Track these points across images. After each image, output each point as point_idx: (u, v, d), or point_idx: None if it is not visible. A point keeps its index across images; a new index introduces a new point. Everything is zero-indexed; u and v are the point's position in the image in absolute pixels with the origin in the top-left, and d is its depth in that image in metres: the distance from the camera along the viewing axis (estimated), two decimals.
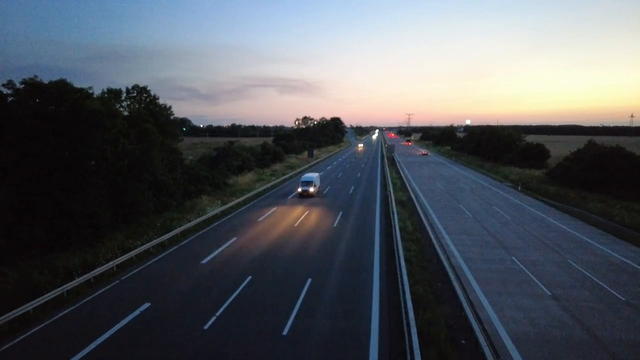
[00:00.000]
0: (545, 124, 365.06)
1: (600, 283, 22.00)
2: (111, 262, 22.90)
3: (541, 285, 21.48)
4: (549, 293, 20.58)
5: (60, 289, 19.45)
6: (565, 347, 15.65)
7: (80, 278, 20.64)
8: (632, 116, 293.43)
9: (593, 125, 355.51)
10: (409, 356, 13.62)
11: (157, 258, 25.56)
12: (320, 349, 15.14)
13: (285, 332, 16.36)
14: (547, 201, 46.27)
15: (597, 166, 49.39)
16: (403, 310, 17.11)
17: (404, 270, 21.06)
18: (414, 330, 14.74)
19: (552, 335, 16.49)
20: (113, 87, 37.26)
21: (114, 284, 21.44)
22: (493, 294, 20.31)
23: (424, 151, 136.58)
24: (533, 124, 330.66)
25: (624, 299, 20.13)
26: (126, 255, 24.19)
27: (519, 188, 55.56)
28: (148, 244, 26.40)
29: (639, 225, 33.38)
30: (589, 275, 23.19)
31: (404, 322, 16.05)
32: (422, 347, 14.18)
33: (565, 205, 42.37)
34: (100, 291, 20.49)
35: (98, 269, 21.85)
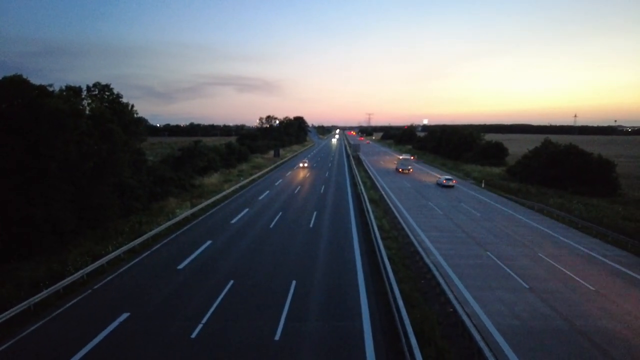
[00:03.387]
0: (498, 123, 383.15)
1: (570, 274, 23.15)
2: (81, 271, 21.40)
3: (518, 279, 22.30)
4: (527, 286, 21.39)
5: (26, 302, 17.92)
6: (548, 336, 16.28)
7: (49, 289, 19.14)
8: (575, 116, 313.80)
9: (542, 124, 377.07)
10: (408, 356, 13.61)
11: (129, 265, 24.22)
12: (316, 352, 14.86)
13: (277, 336, 15.94)
14: (510, 197, 48.32)
15: (553, 163, 52.21)
16: (395, 309, 17.13)
17: (390, 269, 21.19)
18: (410, 329, 14.78)
19: (535, 326, 17.13)
20: (61, 84, 35.06)
21: (86, 293, 20.04)
22: (475, 289, 20.83)
23: (367, 141, 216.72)
24: (487, 123, 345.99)
25: (593, 288, 21.28)
26: (97, 262, 22.72)
27: (483, 185, 57.69)
28: (119, 250, 24.97)
29: (597, 218, 35.56)
30: (559, 267, 24.35)
31: (398, 321, 16.06)
32: (420, 345, 14.21)
33: (528, 201, 44.42)
34: (71, 302, 19.06)
35: (68, 279, 20.35)
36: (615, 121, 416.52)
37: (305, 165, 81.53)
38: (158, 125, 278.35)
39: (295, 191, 52.03)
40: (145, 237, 28.31)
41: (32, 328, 16.72)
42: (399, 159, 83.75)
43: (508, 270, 23.67)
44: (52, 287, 19.40)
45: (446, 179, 57.04)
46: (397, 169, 74.85)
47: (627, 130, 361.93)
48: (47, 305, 18.62)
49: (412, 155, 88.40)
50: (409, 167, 73.61)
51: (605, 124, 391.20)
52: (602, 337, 16.36)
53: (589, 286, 21.52)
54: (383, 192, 49.07)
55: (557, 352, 15.19)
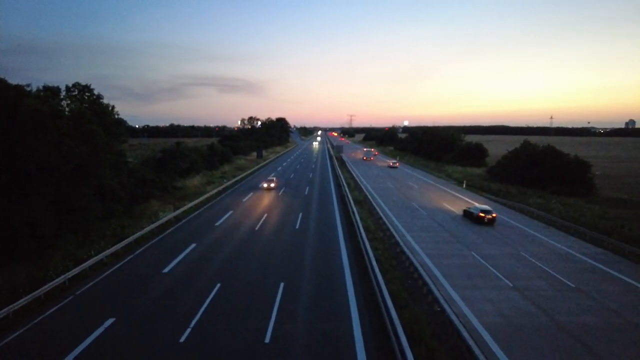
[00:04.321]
0: (477, 124, 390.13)
1: (552, 273, 23.75)
2: (62, 276, 20.81)
3: (502, 278, 22.76)
4: (511, 284, 21.85)
5: (5, 309, 17.30)
6: (534, 333, 16.66)
7: (29, 296, 18.54)
8: (551, 118, 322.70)
9: (519, 125, 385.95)
10: (400, 356, 13.72)
11: (113, 269, 23.71)
12: (308, 354, 14.84)
13: (267, 339, 15.85)
14: (491, 197, 49.27)
15: (533, 164, 53.50)
16: (384, 309, 17.26)
17: (377, 270, 21.34)
18: (400, 329, 14.92)
19: (520, 323, 17.51)
20: (37, 84, 33.99)
21: (68, 299, 19.51)
22: (462, 288, 21.16)
23: (347, 141, 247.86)
24: (466, 125, 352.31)
25: (574, 285, 21.89)
26: (79, 267, 22.14)
27: (464, 186, 58.65)
28: (102, 254, 24.42)
29: (574, 217, 36.59)
30: (540, 265, 24.94)
31: (388, 321, 16.18)
32: (410, 345, 14.33)
33: (509, 201, 45.39)
34: (54, 309, 18.51)
35: (49, 284, 19.77)
36: (589, 123, 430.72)
37: (272, 185, 53.65)
38: (137, 126, 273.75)
39: (280, 193, 51.86)
40: (128, 240, 27.78)
41: (12, 337, 16.15)
42: (364, 150, 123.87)
43: (492, 269, 24.13)
44: (33, 294, 18.82)
45: (392, 162, 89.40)
46: (363, 157, 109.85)
47: (599, 132, 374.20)
48: (27, 313, 18.03)
49: (372, 148, 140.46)
50: (371, 157, 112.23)
51: (580, 126, 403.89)
52: (583, 332, 16.83)
53: (570, 283, 22.13)
54: (367, 192, 49.38)
55: (541, 347, 15.58)
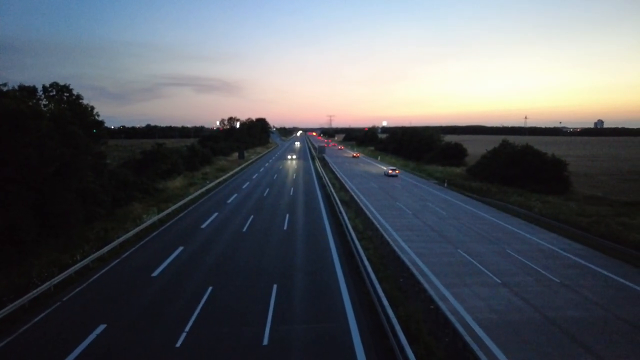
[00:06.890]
0: (453, 124, 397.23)
1: (537, 268, 24.44)
2: (48, 282, 20.13)
3: (491, 275, 23.28)
4: (499, 281, 22.38)
5: None
6: (525, 327, 17.12)
7: (14, 304, 17.84)
8: (526, 118, 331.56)
9: (495, 125, 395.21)
10: (400, 354, 13.88)
11: (99, 274, 23.11)
12: (307, 355, 14.85)
13: (265, 342, 15.76)
14: (473, 196, 50.31)
15: (512, 163, 54.91)
16: (380, 308, 17.42)
17: (370, 269, 21.51)
18: (398, 327, 15.08)
19: (512, 319, 17.96)
20: (8, 83, 32.38)
21: (55, 306, 18.90)
22: (452, 286, 21.54)
23: (324, 139, 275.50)
24: (443, 125, 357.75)
25: (558, 281, 22.60)
26: (65, 272, 21.45)
27: (446, 185, 59.68)
28: (87, 259, 23.73)
29: (554, 214, 37.76)
30: (525, 262, 25.63)
31: (384, 320, 16.35)
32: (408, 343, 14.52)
33: (490, 199, 46.44)
34: (40, 316, 17.89)
35: (33, 292, 19.06)
36: (560, 123, 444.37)
37: None
38: (113, 127, 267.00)
39: (265, 194, 51.63)
40: (113, 244, 27.11)
41: None
42: (325, 141, 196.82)
43: (480, 266, 24.65)
44: (17, 301, 18.09)
45: (339, 146, 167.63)
46: (325, 145, 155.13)
47: (569, 131, 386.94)
48: (12, 321, 17.35)
49: (331, 140, 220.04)
50: (330, 144, 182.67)
51: (552, 125, 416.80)
52: (570, 326, 17.39)
53: (555, 279, 22.82)
54: (348, 188, 49.68)
55: (532, 340, 16.01)
